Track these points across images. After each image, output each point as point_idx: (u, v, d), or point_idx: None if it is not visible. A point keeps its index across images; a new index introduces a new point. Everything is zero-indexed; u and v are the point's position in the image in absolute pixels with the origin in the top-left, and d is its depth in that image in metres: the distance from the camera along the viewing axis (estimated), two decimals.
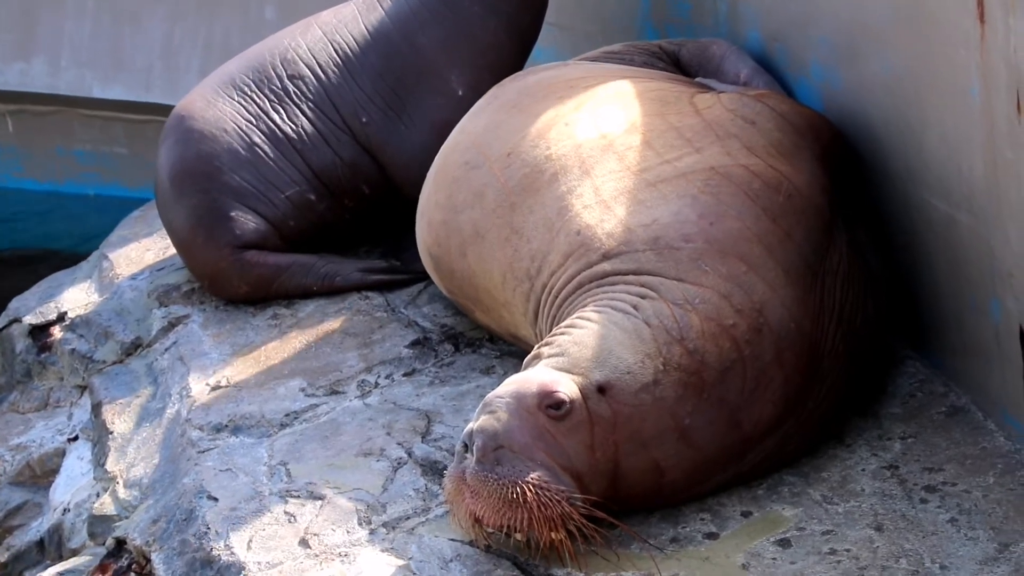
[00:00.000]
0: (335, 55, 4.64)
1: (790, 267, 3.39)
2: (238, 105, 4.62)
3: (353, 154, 4.59)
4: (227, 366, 4.18)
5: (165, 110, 6.87)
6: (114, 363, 4.55)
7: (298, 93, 4.62)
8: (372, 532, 3.36)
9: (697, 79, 4.30)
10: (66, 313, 4.83)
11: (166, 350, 4.40)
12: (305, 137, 4.59)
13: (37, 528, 4.40)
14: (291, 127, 4.59)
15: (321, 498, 3.49)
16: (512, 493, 3.02)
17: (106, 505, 3.90)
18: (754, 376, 3.28)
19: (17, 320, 4.94)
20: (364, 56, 4.62)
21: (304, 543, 3.35)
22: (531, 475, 3.04)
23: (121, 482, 3.93)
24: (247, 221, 4.50)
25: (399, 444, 3.68)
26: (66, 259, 5.61)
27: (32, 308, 4.95)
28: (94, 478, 4.16)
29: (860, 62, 3.82)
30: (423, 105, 4.55)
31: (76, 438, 4.53)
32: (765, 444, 3.34)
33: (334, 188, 4.60)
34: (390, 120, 4.57)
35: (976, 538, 3.13)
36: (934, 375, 3.69)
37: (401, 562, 3.24)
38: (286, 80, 4.63)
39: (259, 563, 3.30)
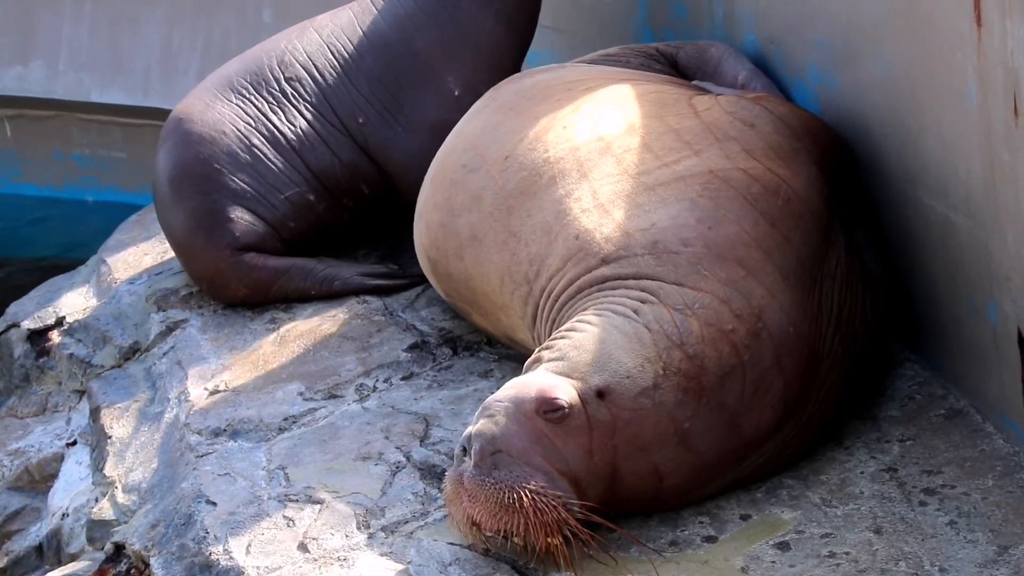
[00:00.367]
0: (332, 58, 4.65)
1: (789, 271, 3.39)
2: (236, 107, 4.62)
3: (351, 155, 4.60)
4: (225, 370, 4.18)
5: (163, 114, 6.87)
6: (112, 368, 4.55)
7: (295, 95, 4.62)
8: (371, 536, 3.36)
9: (694, 82, 4.30)
10: (64, 318, 4.83)
11: (164, 354, 4.40)
12: (304, 138, 4.60)
13: (36, 533, 4.40)
14: (289, 128, 4.60)
15: (320, 502, 3.49)
16: (509, 498, 3.02)
17: (105, 510, 3.90)
18: (753, 381, 3.28)
19: (15, 325, 4.94)
20: (361, 59, 4.63)
21: (303, 547, 3.35)
22: (528, 480, 3.04)
23: (120, 487, 3.93)
24: (246, 223, 4.50)
25: (397, 448, 3.68)
26: (64, 264, 5.61)
27: (30, 313, 4.95)
28: (93, 483, 4.16)
29: (857, 65, 3.82)
30: (420, 106, 4.55)
31: (75, 443, 4.53)
32: (764, 448, 3.34)
33: (333, 189, 4.60)
34: (387, 122, 4.58)
35: (975, 541, 3.13)
36: (933, 378, 3.69)
37: (400, 566, 3.24)
38: (284, 82, 4.63)
39: (258, 567, 3.30)
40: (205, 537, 3.43)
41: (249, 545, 3.38)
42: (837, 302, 3.48)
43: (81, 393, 4.63)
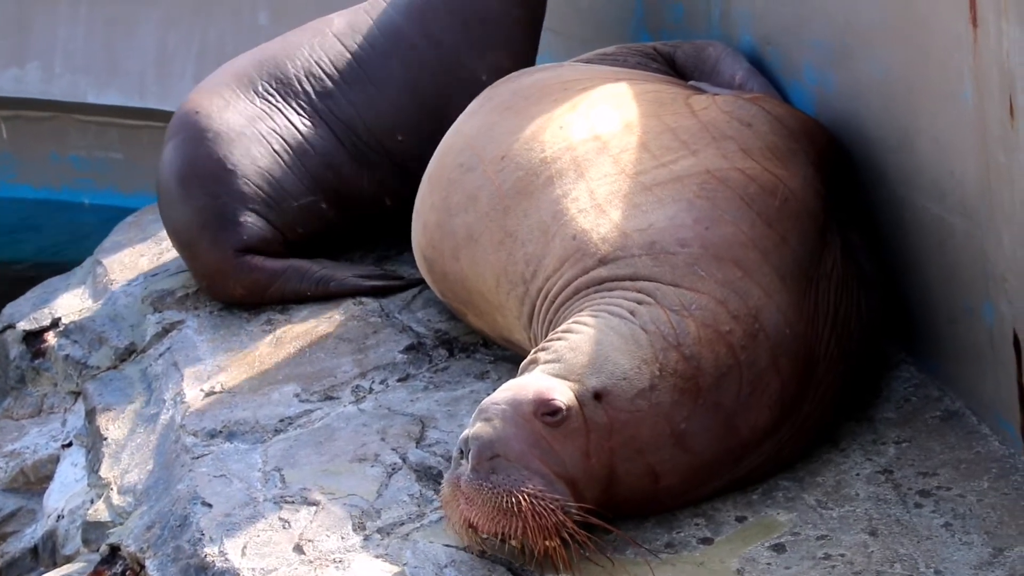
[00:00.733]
0: (358, 68, 4.58)
1: (785, 272, 3.39)
2: (259, 110, 4.56)
3: (384, 173, 4.55)
4: (221, 372, 4.18)
5: (159, 115, 6.90)
6: (108, 369, 4.54)
7: (328, 112, 4.56)
8: (367, 538, 3.36)
9: (691, 82, 4.30)
10: (60, 319, 4.83)
11: (160, 356, 4.39)
12: (333, 152, 4.54)
13: (31, 535, 4.40)
14: (319, 141, 4.54)
15: (315, 504, 3.49)
16: (507, 502, 3.01)
17: (100, 511, 3.89)
18: (750, 381, 3.28)
19: (11, 326, 4.94)
20: (386, 65, 4.58)
21: (298, 549, 3.35)
22: (526, 484, 3.03)
23: (115, 488, 3.92)
24: (253, 227, 4.47)
25: (393, 450, 3.68)
26: (60, 265, 5.60)
27: (26, 314, 4.94)
28: (88, 484, 4.16)
29: (853, 65, 3.82)
30: (460, 108, 4.34)
31: (70, 444, 4.53)
32: (761, 449, 3.34)
33: (353, 201, 4.56)
34: (424, 132, 4.49)
35: (971, 542, 3.13)
36: (928, 379, 3.69)
37: (396, 568, 3.24)
38: (314, 97, 4.57)
39: (253, 569, 3.30)
40: (201, 539, 3.43)
41: (245, 547, 3.38)
42: (833, 303, 3.48)
43: (77, 394, 4.63)
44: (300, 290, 4.49)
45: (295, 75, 4.60)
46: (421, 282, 4.32)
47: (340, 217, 4.59)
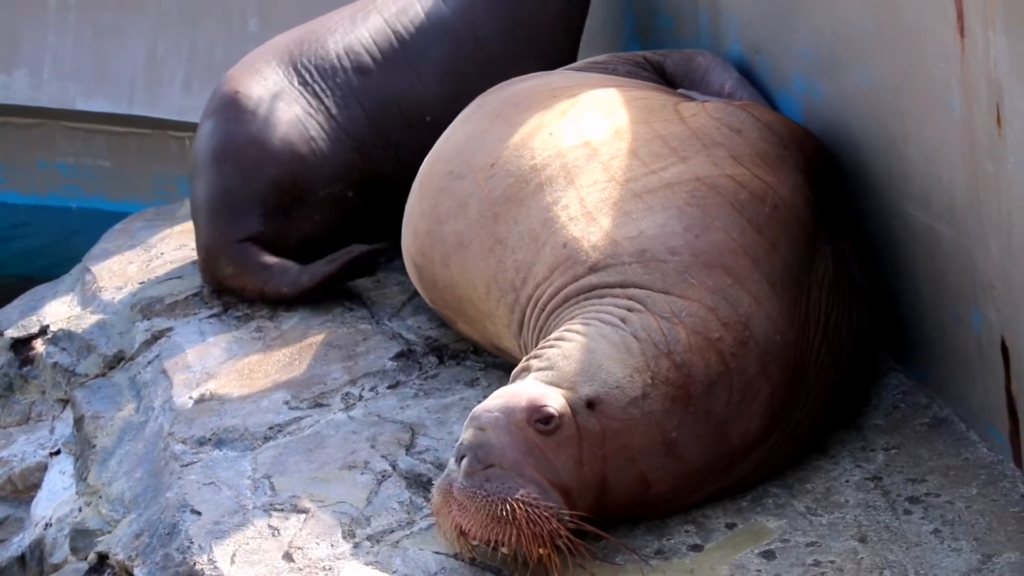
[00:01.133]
0: (398, 48, 4.57)
1: (776, 279, 3.40)
2: (298, 93, 4.55)
3: (411, 154, 4.50)
4: (210, 379, 4.17)
5: (148, 123, 6.90)
6: (96, 376, 4.53)
7: (362, 91, 4.54)
8: (356, 545, 3.35)
9: (679, 90, 4.31)
10: (48, 326, 4.81)
11: (149, 363, 4.38)
12: (366, 138, 4.55)
13: (19, 543, 4.38)
14: (355, 127, 4.53)
15: (305, 511, 3.48)
16: (501, 510, 3.01)
17: (88, 519, 3.88)
18: (740, 389, 3.29)
19: None
20: (427, 50, 4.57)
21: (288, 557, 3.34)
22: (520, 492, 3.03)
23: (103, 496, 3.91)
24: (268, 218, 4.48)
25: (383, 457, 3.67)
26: (48, 272, 5.59)
27: (14, 321, 4.92)
28: (76, 492, 4.14)
29: (841, 74, 3.84)
30: None
31: (58, 452, 4.51)
32: (752, 456, 3.34)
33: (376, 186, 4.55)
34: (452, 119, 4.50)
35: (959, 549, 3.14)
36: (917, 387, 3.70)
37: (385, 575, 3.23)
38: (351, 74, 4.55)
39: None
40: (190, 547, 3.42)
41: (234, 555, 3.37)
42: (824, 310, 3.49)
43: (65, 402, 4.61)
44: (279, 288, 4.45)
45: (334, 50, 4.59)
46: (385, 248, 4.29)
47: (361, 202, 4.58)
